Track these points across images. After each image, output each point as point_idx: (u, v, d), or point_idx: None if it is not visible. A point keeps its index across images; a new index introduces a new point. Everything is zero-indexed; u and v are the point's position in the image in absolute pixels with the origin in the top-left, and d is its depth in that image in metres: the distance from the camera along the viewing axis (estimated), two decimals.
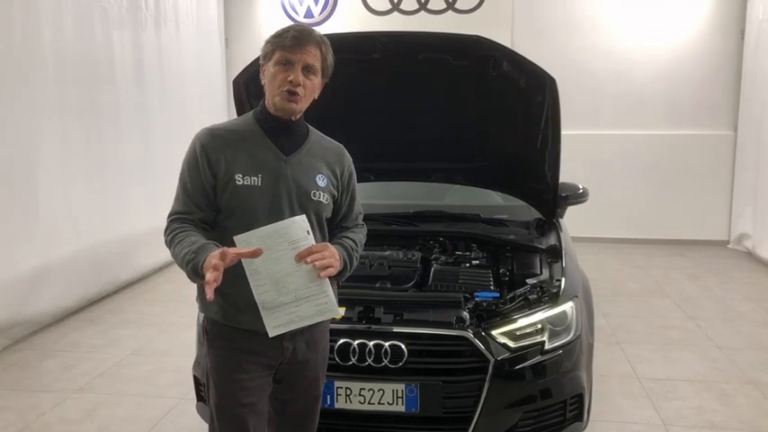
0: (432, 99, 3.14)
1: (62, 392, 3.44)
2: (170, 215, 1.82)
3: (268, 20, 7.57)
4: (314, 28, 1.84)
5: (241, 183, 1.77)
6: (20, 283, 4.21)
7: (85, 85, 4.91)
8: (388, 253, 2.96)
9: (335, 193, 1.93)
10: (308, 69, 1.78)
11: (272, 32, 1.82)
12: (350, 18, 7.39)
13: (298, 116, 1.85)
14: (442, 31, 2.95)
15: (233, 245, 1.66)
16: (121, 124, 5.40)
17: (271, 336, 1.72)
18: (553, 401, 2.40)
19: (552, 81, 2.86)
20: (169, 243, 1.76)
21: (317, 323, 1.82)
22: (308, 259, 1.65)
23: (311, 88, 1.81)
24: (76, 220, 4.80)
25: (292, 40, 1.75)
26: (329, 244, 1.77)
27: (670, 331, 4.33)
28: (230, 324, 1.83)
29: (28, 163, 4.29)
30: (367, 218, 3.26)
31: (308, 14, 7.56)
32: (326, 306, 1.72)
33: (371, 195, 3.88)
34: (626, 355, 3.90)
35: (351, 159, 2.01)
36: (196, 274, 1.64)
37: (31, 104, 4.31)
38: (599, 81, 7.04)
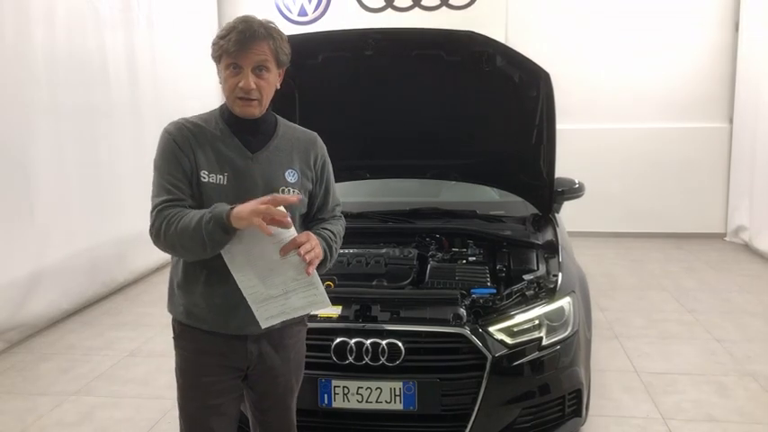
0: (426, 95, 3.13)
1: (59, 395, 3.42)
2: (155, 207, 1.67)
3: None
4: (261, 20, 1.70)
5: (206, 180, 1.70)
6: (15, 285, 4.18)
7: (78, 86, 4.88)
8: (384, 250, 2.95)
9: (309, 186, 1.84)
10: (259, 69, 1.67)
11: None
12: (344, 16, 7.37)
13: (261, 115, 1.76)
14: (436, 27, 2.94)
15: None
16: (115, 125, 5.37)
17: (263, 327, 1.69)
18: (551, 397, 2.40)
19: (547, 76, 2.85)
20: (165, 229, 1.62)
21: (289, 326, 1.81)
22: (301, 251, 1.58)
23: (267, 87, 1.71)
24: (71, 221, 4.77)
25: (236, 45, 1.63)
26: (311, 233, 1.68)
27: (668, 325, 4.33)
28: (193, 325, 1.80)
29: (21, 165, 4.26)
30: (363, 215, 3.29)
31: (302, 13, 7.53)
32: (317, 298, 1.68)
33: (367, 193, 3.87)
34: (624, 349, 3.90)
35: (324, 148, 1.90)
36: (222, 227, 1.54)
37: (24, 106, 4.28)
38: (594, 75, 7.03)
